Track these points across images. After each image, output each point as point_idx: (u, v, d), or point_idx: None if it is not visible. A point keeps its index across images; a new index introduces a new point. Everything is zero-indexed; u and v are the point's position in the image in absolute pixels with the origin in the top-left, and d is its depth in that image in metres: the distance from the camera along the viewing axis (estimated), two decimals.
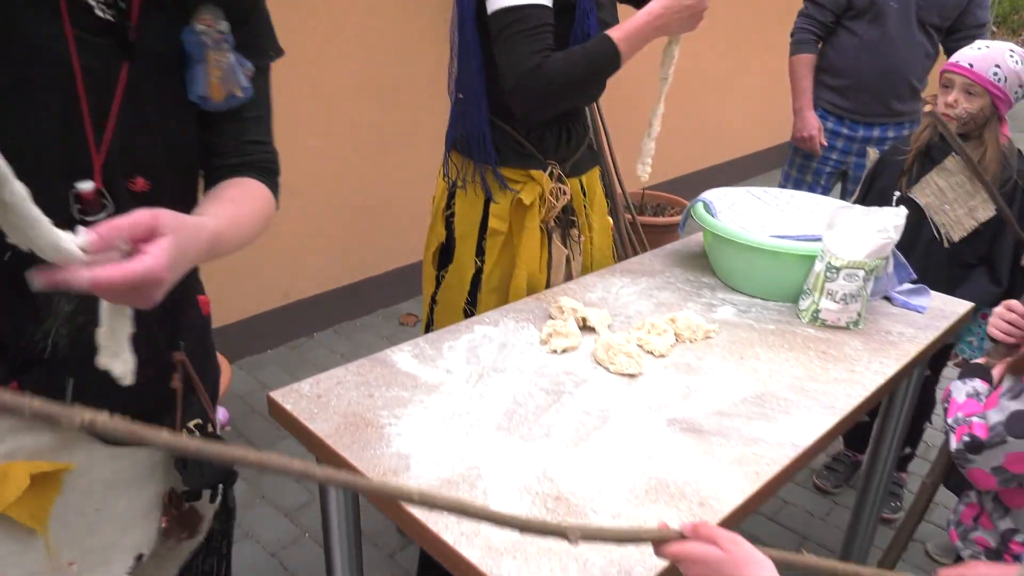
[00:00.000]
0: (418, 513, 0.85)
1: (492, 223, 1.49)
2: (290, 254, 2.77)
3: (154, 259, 0.64)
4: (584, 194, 1.59)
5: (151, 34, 0.83)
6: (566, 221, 1.53)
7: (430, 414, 1.04)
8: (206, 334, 1.05)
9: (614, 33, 1.35)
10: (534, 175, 1.49)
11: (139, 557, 0.96)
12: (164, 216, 0.67)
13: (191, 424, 0.97)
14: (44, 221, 0.62)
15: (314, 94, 2.66)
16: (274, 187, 0.98)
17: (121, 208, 0.81)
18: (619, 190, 3.22)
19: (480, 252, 1.51)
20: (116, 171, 0.83)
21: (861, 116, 2.49)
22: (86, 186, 0.80)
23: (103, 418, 0.52)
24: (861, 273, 1.33)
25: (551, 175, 1.50)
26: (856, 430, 2.23)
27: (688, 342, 1.29)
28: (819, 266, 1.35)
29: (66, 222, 0.71)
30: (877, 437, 1.74)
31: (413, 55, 2.95)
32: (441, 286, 1.58)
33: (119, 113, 0.81)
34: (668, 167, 4.29)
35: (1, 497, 0.84)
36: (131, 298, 0.67)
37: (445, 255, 1.57)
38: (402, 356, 1.19)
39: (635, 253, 3.21)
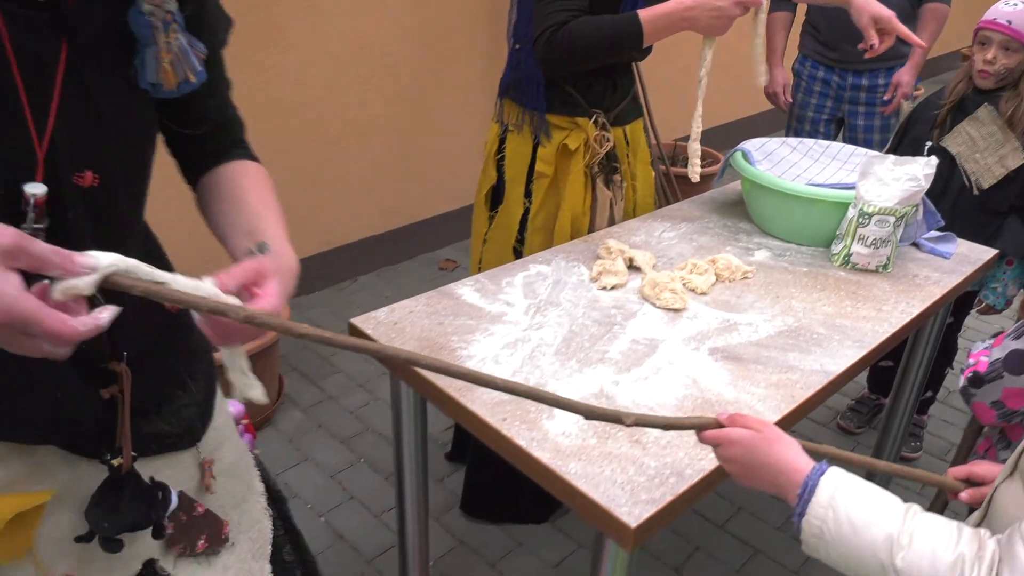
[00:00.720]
0: (493, 420, 0.98)
1: (539, 166, 1.60)
2: (334, 201, 2.89)
3: (273, 298, 0.72)
4: (627, 143, 1.68)
5: (92, 12, 0.75)
6: (609, 167, 1.63)
7: (496, 340, 1.16)
8: (174, 332, 0.94)
9: (643, 13, 1.44)
10: (579, 122, 1.58)
11: (150, 562, 0.90)
12: (266, 262, 0.75)
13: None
14: (203, 287, 0.66)
15: (356, 44, 2.74)
16: (256, 157, 0.96)
17: (69, 206, 0.75)
18: (654, 141, 3.29)
19: (528, 194, 1.62)
20: (62, 164, 0.75)
21: (848, 64, 2.58)
22: (38, 189, 0.70)
23: (261, 314, 0.63)
24: (892, 220, 1.41)
25: (595, 123, 1.59)
26: (879, 374, 2.33)
27: (727, 282, 1.39)
28: (852, 212, 1.44)
29: (11, 222, 0.62)
30: (900, 380, 1.84)
31: (454, 5, 3.01)
32: (492, 225, 1.69)
33: (61, 98, 0.74)
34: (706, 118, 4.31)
35: None
36: (243, 336, 0.73)
37: (496, 196, 1.68)
38: (465, 290, 1.31)
39: (669, 202, 3.29)
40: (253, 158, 0.94)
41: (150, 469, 0.87)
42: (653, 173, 1.81)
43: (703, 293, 1.34)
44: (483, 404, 1.01)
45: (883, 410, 2.31)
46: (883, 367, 2.27)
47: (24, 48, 0.70)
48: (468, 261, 3.23)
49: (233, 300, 0.66)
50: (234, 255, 0.84)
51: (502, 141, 1.65)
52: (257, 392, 0.75)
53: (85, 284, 0.57)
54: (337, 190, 2.88)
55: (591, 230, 1.63)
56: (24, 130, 0.71)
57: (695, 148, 1.58)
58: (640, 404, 1.04)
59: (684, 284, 1.35)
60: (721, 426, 0.80)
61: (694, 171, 1.58)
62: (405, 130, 3.04)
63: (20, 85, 0.70)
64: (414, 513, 1.31)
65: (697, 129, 1.58)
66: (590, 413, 0.72)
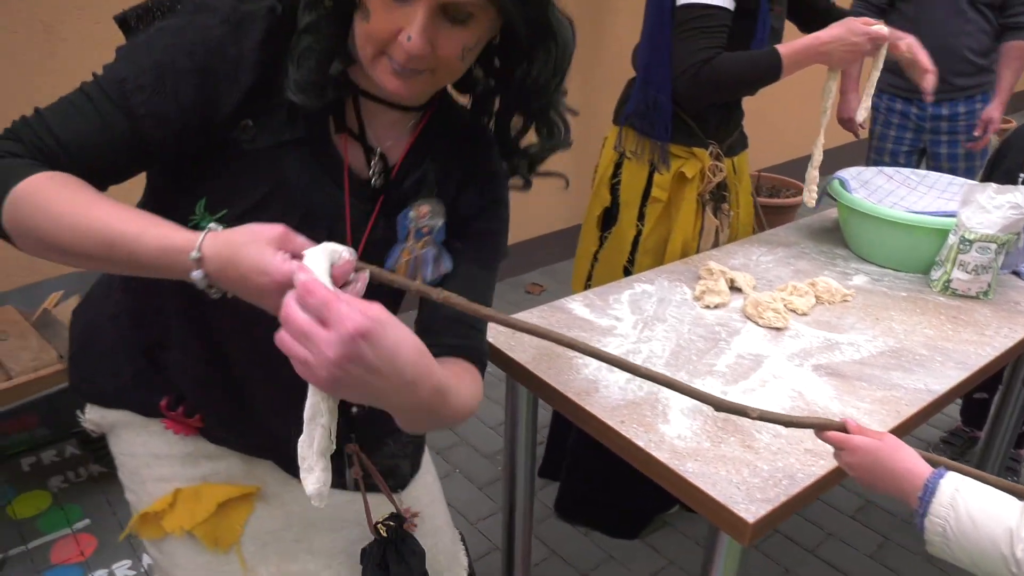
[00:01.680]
0: (612, 423, 1.05)
1: (654, 192, 1.70)
2: None
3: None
4: (735, 172, 1.79)
5: (400, 197, 0.91)
6: (718, 196, 1.71)
7: (607, 351, 1.24)
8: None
9: (782, 49, 1.52)
10: (696, 152, 1.68)
11: None
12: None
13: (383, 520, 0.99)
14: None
15: None
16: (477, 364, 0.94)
17: None
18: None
19: (641, 217, 1.72)
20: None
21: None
22: (350, 256, 0.83)
23: (455, 295, 0.71)
24: (993, 247, 1.44)
25: (711, 153, 1.69)
26: (974, 406, 2.30)
27: (827, 304, 1.44)
28: (952, 239, 1.47)
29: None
30: (996, 412, 1.83)
31: None
32: (604, 246, 1.79)
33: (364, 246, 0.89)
34: (782, 150, 4.34)
35: (192, 514, 0.94)
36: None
37: (608, 218, 1.78)
38: (576, 305, 1.39)
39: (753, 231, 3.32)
40: (474, 364, 0.94)
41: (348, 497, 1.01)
42: (752, 202, 1.89)
43: (804, 313, 1.39)
44: (602, 408, 1.09)
45: (977, 444, 2.28)
46: (977, 399, 2.25)
47: (357, 212, 0.89)
48: (555, 285, 3.33)
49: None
50: None
51: (618, 167, 1.75)
52: (312, 484, 0.67)
53: (362, 285, 0.69)
54: None
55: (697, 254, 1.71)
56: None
57: (813, 175, 1.65)
58: None
59: (785, 304, 1.40)
60: (844, 428, 0.86)
61: (811, 196, 1.65)
62: None
63: (348, 229, 0.88)
64: (523, 518, 1.39)
65: (818, 157, 1.65)
66: (719, 404, 0.79)
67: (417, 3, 0.75)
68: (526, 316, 1.34)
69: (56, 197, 0.72)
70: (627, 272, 1.73)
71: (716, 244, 1.72)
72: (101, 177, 0.78)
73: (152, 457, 0.98)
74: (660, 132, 1.65)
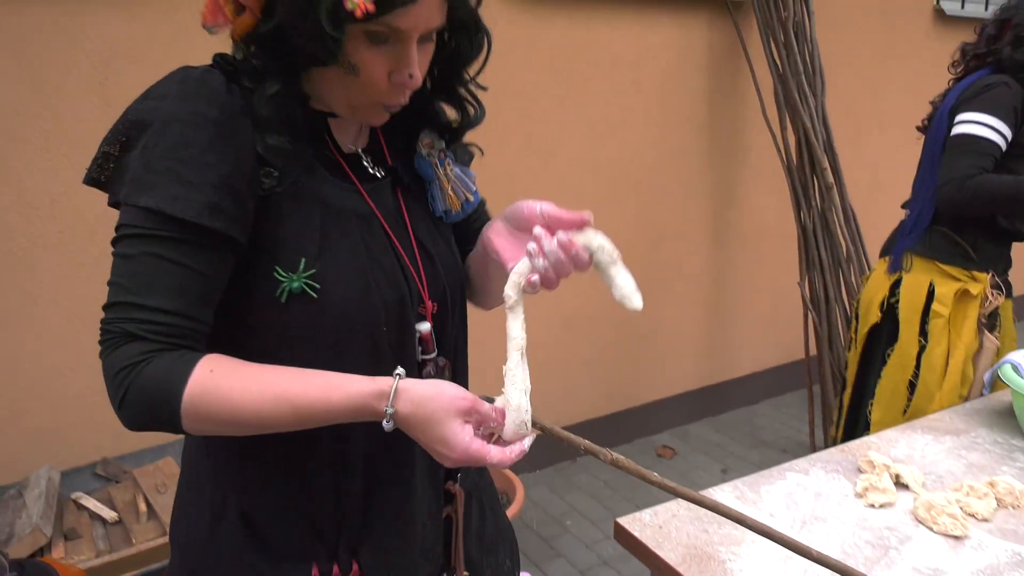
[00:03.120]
0: None
1: (935, 307, 1.91)
2: (561, 381, 3.03)
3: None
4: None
5: (403, 165, 0.97)
6: (991, 324, 1.87)
7: (765, 553, 1.16)
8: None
9: None
10: (977, 276, 1.93)
11: None
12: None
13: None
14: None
15: None
16: None
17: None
18: None
19: (923, 333, 1.94)
20: (441, 296, 0.95)
21: None
22: (424, 327, 0.93)
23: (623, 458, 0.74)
24: None
25: (991, 280, 1.92)
26: None
27: (1010, 508, 1.29)
28: None
29: (410, 360, 0.91)
30: None
31: (680, 206, 3.20)
32: (888, 363, 2.02)
33: (416, 243, 0.93)
34: None
35: None
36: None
37: (874, 337, 2.05)
38: (724, 495, 1.32)
39: None
40: None
41: None
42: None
43: (985, 520, 1.26)
44: None
45: None
46: None
47: (387, 214, 0.91)
48: (686, 448, 3.21)
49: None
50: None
51: (895, 287, 2.02)
52: (636, 300, 0.87)
53: (528, 442, 0.82)
54: (564, 370, 3.03)
55: (974, 379, 1.87)
56: (399, 277, 0.90)
57: None
58: None
59: (962, 508, 1.27)
60: None
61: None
62: (632, 317, 3.17)
63: (395, 243, 0.91)
64: None
65: None
66: None
67: (406, 40, 0.79)
68: (674, 506, 1.28)
69: (229, 387, 0.76)
70: (911, 387, 1.95)
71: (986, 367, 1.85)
72: (213, 300, 0.81)
73: None
74: (940, 255, 1.93)
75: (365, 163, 0.93)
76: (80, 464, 2.10)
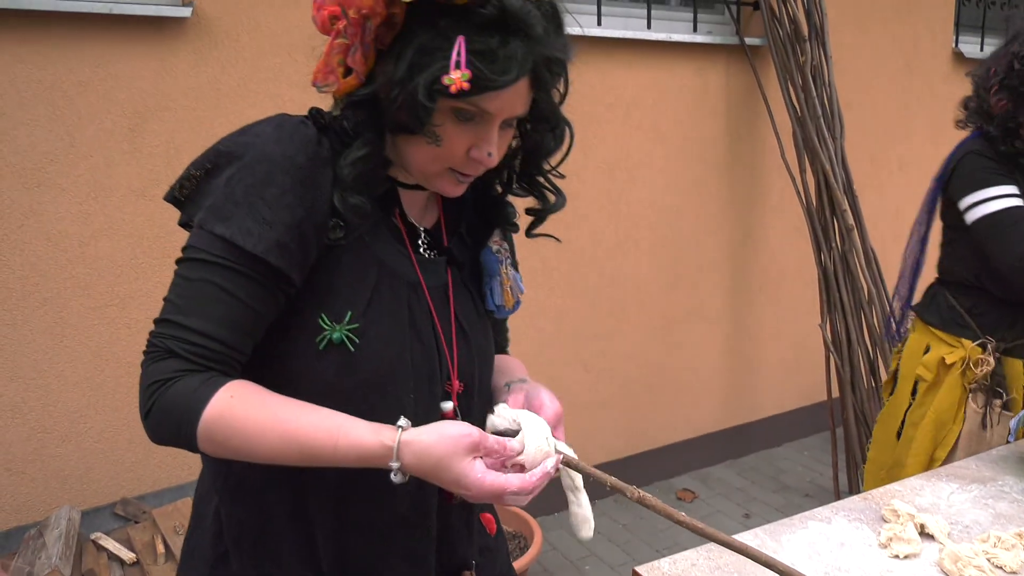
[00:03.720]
0: None
1: (919, 371, 1.96)
2: (579, 423, 3.01)
3: (552, 406, 0.95)
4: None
5: (464, 251, 1.01)
6: (991, 390, 1.84)
7: None
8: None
9: None
10: (964, 343, 1.90)
11: None
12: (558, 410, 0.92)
13: None
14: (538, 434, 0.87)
15: (609, 279, 2.98)
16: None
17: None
18: None
19: (914, 392, 1.99)
20: (468, 378, 0.98)
21: None
22: (447, 406, 0.95)
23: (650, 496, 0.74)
24: None
25: (982, 346, 1.87)
26: None
27: None
28: None
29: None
30: None
31: (700, 248, 3.21)
32: (882, 411, 2.11)
33: (455, 322, 0.97)
34: None
35: None
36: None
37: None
38: (747, 542, 1.30)
39: None
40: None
41: None
42: None
43: (1013, 572, 1.23)
44: None
45: None
46: None
47: (433, 287, 0.95)
48: (706, 491, 3.16)
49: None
50: (494, 390, 1.04)
51: (902, 345, 2.08)
52: (587, 530, 0.88)
53: (552, 464, 0.85)
54: (584, 413, 3.02)
55: (955, 446, 1.87)
56: (433, 350, 0.94)
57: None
58: None
59: (989, 559, 1.24)
60: None
61: None
62: (651, 360, 3.16)
63: (435, 317, 0.94)
64: None
65: None
66: None
67: (491, 120, 0.83)
68: (694, 555, 1.27)
69: (244, 417, 0.79)
70: (898, 436, 2.00)
71: (987, 442, 1.79)
72: (257, 335, 0.84)
73: None
74: (934, 318, 1.97)
75: (421, 242, 0.97)
76: (101, 503, 2.12)
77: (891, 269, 3.47)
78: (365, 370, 0.87)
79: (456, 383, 0.96)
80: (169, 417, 0.79)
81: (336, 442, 0.78)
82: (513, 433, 0.85)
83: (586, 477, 0.82)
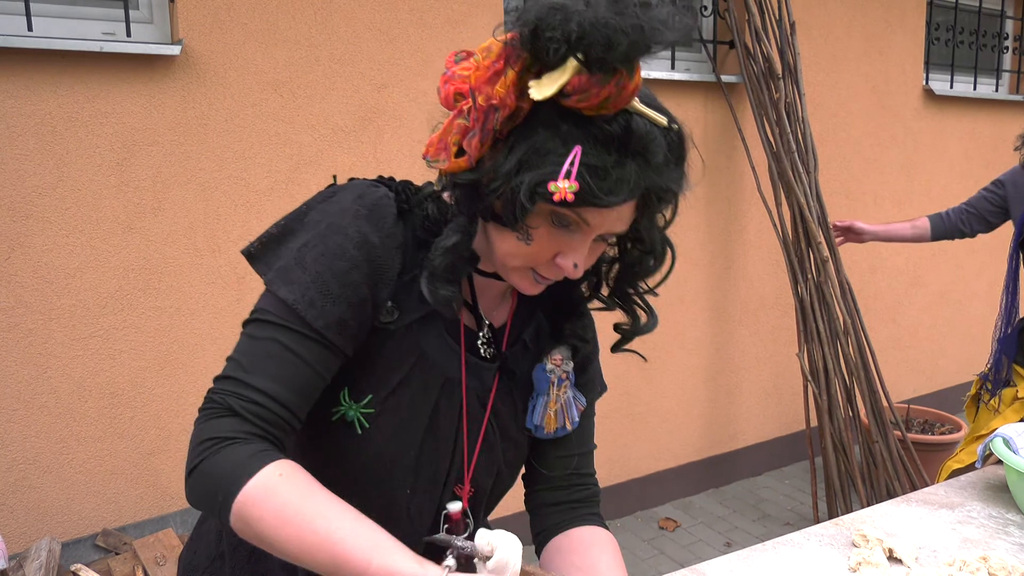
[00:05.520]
0: None
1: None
2: None
3: None
4: None
5: (520, 363, 0.96)
6: None
7: None
8: None
9: None
10: None
11: None
12: None
13: None
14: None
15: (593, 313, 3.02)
16: (607, 528, 1.05)
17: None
18: (885, 404, 3.18)
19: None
20: (480, 487, 0.95)
21: None
22: (455, 506, 0.93)
23: None
24: None
25: None
26: None
27: None
28: None
29: (421, 529, 0.91)
30: None
31: (680, 275, 3.26)
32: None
33: (485, 428, 0.93)
34: (932, 379, 4.12)
35: None
36: None
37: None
38: (719, 567, 1.33)
39: (908, 472, 3.10)
40: (605, 527, 1.03)
41: None
42: None
43: None
44: None
45: None
46: None
47: (473, 388, 0.92)
48: (689, 520, 3.18)
49: None
50: None
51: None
52: None
53: None
54: None
55: None
56: (448, 451, 0.91)
57: None
58: None
59: None
60: None
61: None
62: (632, 388, 3.20)
63: (464, 418, 0.92)
64: None
65: None
66: None
67: (586, 233, 0.80)
68: None
69: (285, 500, 0.73)
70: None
71: None
72: (314, 400, 0.82)
73: None
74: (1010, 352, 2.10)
75: (482, 337, 0.94)
76: (82, 535, 2.11)
77: (867, 300, 3.56)
78: (366, 454, 0.87)
79: (467, 486, 0.94)
80: (211, 480, 0.75)
81: (371, 560, 0.71)
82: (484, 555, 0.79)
83: None
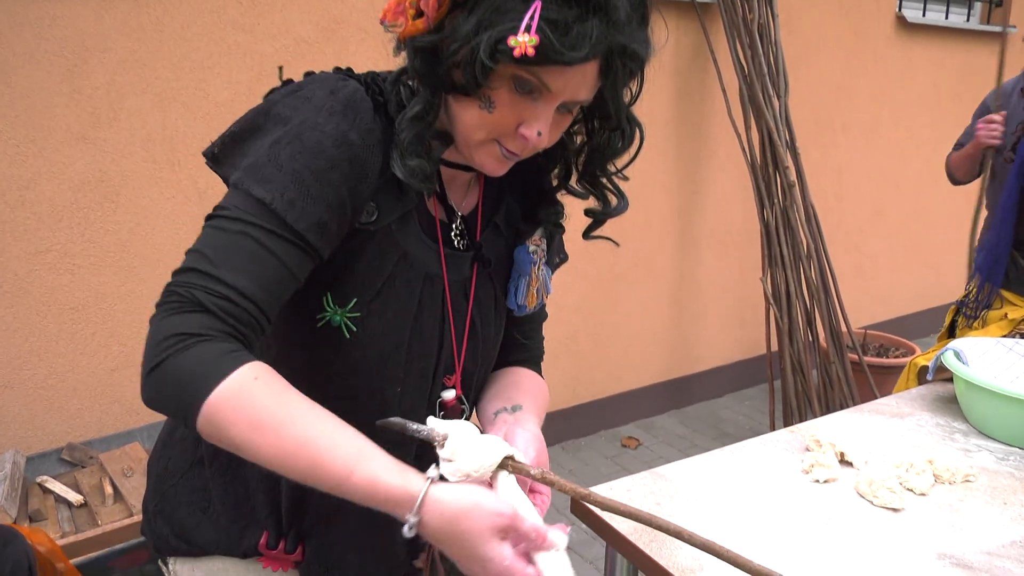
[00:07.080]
0: None
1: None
2: None
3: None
4: None
5: (496, 248, 0.99)
6: None
7: (714, 526, 1.21)
8: None
9: None
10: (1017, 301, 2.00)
11: None
12: (541, 455, 0.88)
13: None
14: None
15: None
16: (541, 375, 1.13)
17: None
18: (844, 328, 3.26)
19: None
20: (468, 374, 0.98)
21: None
22: (449, 394, 0.95)
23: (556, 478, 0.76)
24: None
25: None
26: None
27: (947, 484, 1.36)
28: None
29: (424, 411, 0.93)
30: None
31: (647, 200, 3.26)
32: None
33: (470, 319, 0.96)
34: (891, 306, 4.22)
35: None
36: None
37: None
38: (682, 469, 1.38)
39: (861, 393, 3.20)
40: (540, 376, 1.12)
41: None
42: None
43: (922, 494, 1.32)
44: None
45: None
46: None
47: (454, 281, 0.94)
48: (650, 439, 3.27)
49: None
50: (483, 415, 1.01)
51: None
52: None
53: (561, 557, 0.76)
54: None
55: None
56: (450, 346, 0.94)
57: None
58: None
59: (901, 483, 1.34)
60: None
61: None
62: (598, 311, 3.23)
63: (449, 311, 0.93)
64: None
65: None
66: None
67: (549, 99, 0.78)
68: (625, 482, 1.33)
69: (260, 405, 0.69)
70: None
71: None
72: (283, 302, 0.78)
73: None
74: (995, 278, 2.04)
75: (455, 228, 0.94)
76: (46, 449, 2.11)
77: (830, 227, 3.59)
78: (355, 358, 0.87)
79: (459, 377, 0.97)
80: (177, 380, 0.69)
81: (352, 469, 0.69)
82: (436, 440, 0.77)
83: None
